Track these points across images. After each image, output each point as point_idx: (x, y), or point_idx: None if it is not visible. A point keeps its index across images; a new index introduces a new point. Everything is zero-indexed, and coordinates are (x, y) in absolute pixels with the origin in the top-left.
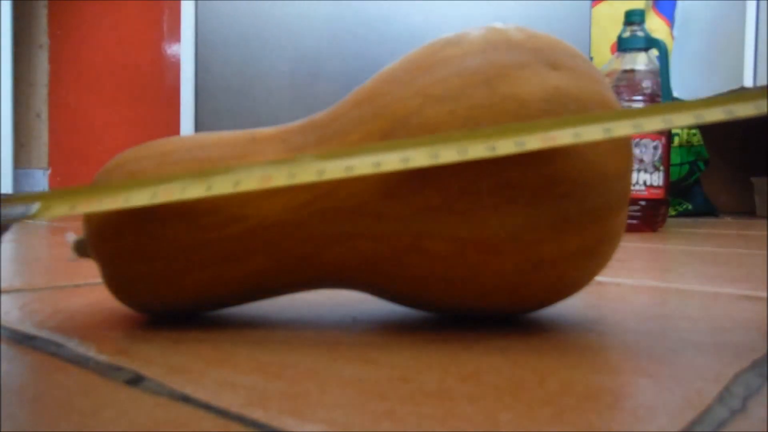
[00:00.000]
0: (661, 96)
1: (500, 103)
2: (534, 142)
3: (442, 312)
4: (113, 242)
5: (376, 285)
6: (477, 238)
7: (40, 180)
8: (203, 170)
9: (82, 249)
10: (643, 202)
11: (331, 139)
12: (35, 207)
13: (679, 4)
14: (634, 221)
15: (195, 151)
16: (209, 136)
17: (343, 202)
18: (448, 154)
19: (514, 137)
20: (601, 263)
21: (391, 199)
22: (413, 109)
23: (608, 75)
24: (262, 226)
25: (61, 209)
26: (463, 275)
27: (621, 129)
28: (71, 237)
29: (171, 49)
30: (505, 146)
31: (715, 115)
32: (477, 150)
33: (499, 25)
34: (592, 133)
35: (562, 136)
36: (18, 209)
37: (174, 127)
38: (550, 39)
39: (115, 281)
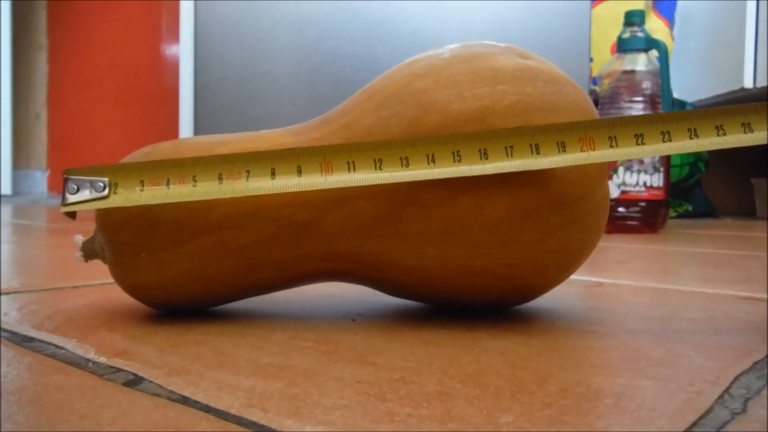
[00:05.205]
0: (661, 97)
1: (478, 71)
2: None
3: (438, 288)
4: (120, 210)
5: (375, 255)
6: (468, 181)
7: (39, 181)
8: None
9: (89, 251)
10: (643, 203)
11: (331, 122)
12: (105, 190)
13: (679, 4)
14: (635, 222)
15: (207, 146)
16: (217, 135)
17: None
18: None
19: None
20: (588, 232)
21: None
22: (402, 84)
23: (608, 76)
24: None
25: (132, 189)
26: (458, 227)
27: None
28: (80, 239)
29: (170, 50)
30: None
31: None
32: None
33: None
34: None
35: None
36: (86, 191)
37: (173, 128)
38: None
39: (120, 258)
